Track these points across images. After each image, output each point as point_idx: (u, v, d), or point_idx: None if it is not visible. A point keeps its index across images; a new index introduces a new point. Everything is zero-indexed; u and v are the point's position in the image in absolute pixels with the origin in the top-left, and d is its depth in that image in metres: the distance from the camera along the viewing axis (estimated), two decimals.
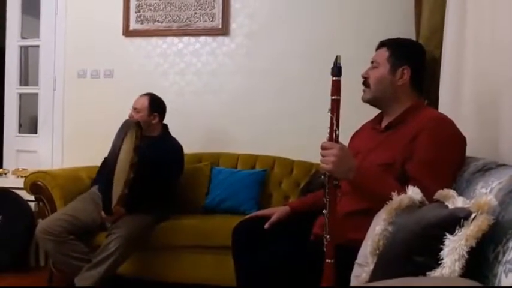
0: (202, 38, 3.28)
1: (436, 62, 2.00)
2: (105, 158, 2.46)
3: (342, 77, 1.36)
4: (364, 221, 1.34)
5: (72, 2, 3.44)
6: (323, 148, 1.37)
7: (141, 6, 3.31)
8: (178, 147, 2.68)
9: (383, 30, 2.16)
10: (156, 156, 2.49)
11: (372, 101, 1.67)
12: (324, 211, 1.36)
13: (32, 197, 2.71)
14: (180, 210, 2.69)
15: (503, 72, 1.41)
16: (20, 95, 3.63)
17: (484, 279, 0.93)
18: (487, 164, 1.29)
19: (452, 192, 1.08)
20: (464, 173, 1.37)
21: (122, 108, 2.73)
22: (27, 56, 3.88)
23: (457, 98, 1.79)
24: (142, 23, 3.32)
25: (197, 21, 3.25)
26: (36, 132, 3.57)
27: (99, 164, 2.77)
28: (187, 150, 2.78)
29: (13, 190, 3.00)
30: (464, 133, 1.48)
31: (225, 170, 2.96)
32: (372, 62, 1.67)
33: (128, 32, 3.33)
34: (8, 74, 3.60)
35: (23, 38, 3.63)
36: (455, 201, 1.02)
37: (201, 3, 3.23)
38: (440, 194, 1.09)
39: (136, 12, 3.32)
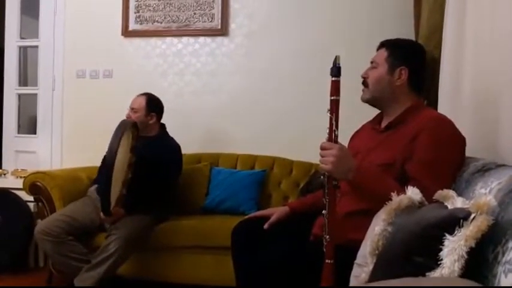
0: (202, 39, 3.28)
1: (436, 62, 2.00)
2: (105, 157, 2.46)
3: (341, 77, 1.36)
4: (363, 222, 1.34)
5: (71, 2, 3.43)
6: (322, 148, 1.37)
7: (140, 7, 3.31)
8: (176, 147, 2.67)
9: (383, 30, 2.17)
10: (153, 156, 2.48)
11: (370, 101, 1.67)
12: (323, 211, 1.36)
13: (31, 198, 2.71)
14: (179, 210, 2.69)
15: (503, 72, 1.41)
16: (19, 96, 3.63)
17: (483, 279, 0.93)
18: (486, 165, 1.29)
19: (451, 192, 1.07)
20: (463, 173, 1.37)
21: (121, 108, 2.72)
22: (26, 56, 3.87)
23: (456, 98, 1.79)
24: (141, 24, 3.32)
25: (196, 21, 3.25)
26: (35, 133, 3.56)
27: (98, 164, 2.76)
28: (186, 150, 2.78)
29: (12, 191, 2.99)
30: (463, 133, 1.48)
31: (225, 171, 2.96)
32: (372, 62, 1.68)
33: (127, 33, 3.33)
34: (7, 75, 3.60)
35: (22, 38, 3.62)
36: (455, 201, 1.02)
37: (200, 3, 3.23)
38: (439, 194, 1.09)
39: (135, 13, 3.32)
